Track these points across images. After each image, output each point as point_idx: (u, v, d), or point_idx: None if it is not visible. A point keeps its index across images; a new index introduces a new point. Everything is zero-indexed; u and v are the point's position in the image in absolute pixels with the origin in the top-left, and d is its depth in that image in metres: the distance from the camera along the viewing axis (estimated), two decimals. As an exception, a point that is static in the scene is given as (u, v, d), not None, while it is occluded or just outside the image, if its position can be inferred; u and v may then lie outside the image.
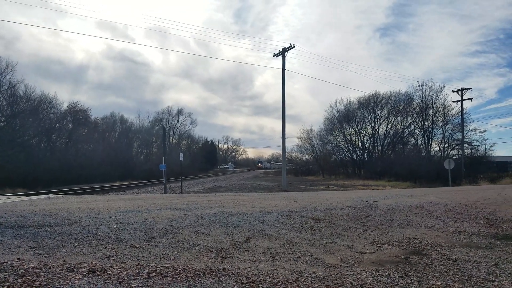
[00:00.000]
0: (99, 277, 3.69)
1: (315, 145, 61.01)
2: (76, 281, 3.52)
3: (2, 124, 33.35)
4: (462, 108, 41.25)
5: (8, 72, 33.05)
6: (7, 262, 4.01)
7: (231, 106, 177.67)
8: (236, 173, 75.19)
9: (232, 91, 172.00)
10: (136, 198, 12.09)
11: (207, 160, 78.01)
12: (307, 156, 65.58)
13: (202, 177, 51.78)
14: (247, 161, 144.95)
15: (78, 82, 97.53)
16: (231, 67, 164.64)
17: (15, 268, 3.85)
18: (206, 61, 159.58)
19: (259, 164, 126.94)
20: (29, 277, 3.60)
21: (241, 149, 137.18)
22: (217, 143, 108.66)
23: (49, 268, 3.88)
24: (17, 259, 4.18)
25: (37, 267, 3.92)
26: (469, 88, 41.24)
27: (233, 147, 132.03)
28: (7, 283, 3.41)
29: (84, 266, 3.99)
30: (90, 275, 3.73)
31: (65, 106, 42.81)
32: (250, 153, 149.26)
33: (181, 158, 21.46)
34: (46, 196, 13.15)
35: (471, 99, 41.83)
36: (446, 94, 45.94)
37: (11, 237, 5.27)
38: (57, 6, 64.78)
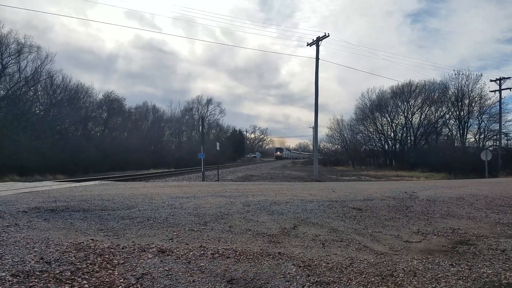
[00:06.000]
0: (169, 256, 4.04)
1: (345, 135, 60.67)
2: (149, 260, 3.88)
3: (41, 113, 34.65)
4: (500, 98, 39.77)
5: (48, 62, 33.95)
6: (83, 243, 4.41)
7: (256, 95, 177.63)
8: (264, 162, 75.66)
9: (257, 80, 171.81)
10: (181, 185, 12.62)
11: (235, 149, 78.70)
12: (336, 146, 65.28)
13: (232, 166, 52.53)
14: (273, 150, 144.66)
15: (109, 71, 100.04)
16: (256, 56, 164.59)
17: (92, 248, 4.23)
18: (232, 50, 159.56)
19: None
20: (107, 256, 3.97)
21: (268, 139, 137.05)
22: (244, 132, 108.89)
23: (122, 248, 4.26)
24: (91, 239, 4.57)
25: (111, 247, 4.29)
26: (508, 78, 39.52)
27: (260, 136, 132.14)
28: (88, 261, 3.79)
29: (153, 247, 4.35)
30: (160, 254, 4.09)
31: (100, 96, 44.20)
32: (277, 142, 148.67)
33: (218, 148, 22.10)
34: (96, 182, 13.88)
35: (510, 88, 40.17)
36: (484, 83, 44.50)
37: (79, 220, 5.73)
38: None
